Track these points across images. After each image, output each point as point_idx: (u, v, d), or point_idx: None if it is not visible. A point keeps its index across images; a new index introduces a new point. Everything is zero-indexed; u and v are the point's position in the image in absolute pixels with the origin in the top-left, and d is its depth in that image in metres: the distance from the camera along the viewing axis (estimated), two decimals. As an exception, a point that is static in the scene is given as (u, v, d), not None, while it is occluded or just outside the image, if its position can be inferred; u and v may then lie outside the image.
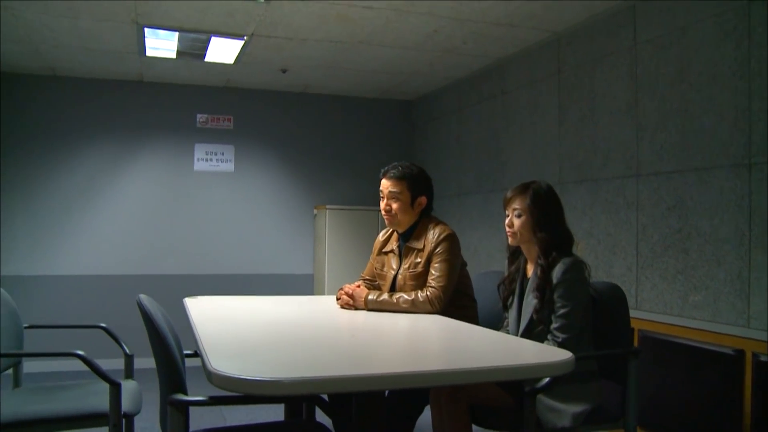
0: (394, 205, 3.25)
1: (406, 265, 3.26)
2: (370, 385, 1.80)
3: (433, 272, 3.14)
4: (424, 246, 3.21)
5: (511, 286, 3.07)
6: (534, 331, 2.86)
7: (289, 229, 6.82)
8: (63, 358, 5.37)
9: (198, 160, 6.54)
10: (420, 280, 3.20)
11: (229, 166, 6.62)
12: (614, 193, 4.13)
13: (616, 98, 4.13)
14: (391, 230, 3.46)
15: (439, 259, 3.15)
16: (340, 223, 6.40)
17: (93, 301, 6.19)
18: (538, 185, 2.95)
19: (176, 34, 4.86)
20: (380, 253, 3.48)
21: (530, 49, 5.02)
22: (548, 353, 2.18)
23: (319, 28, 4.65)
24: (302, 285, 6.78)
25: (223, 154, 6.59)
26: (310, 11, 4.29)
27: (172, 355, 1.87)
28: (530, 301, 2.88)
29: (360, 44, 5.02)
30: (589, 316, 2.88)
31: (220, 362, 1.79)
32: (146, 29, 4.75)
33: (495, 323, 3.17)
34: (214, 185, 6.61)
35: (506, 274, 3.13)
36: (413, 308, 3.07)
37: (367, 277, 3.55)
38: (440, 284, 3.09)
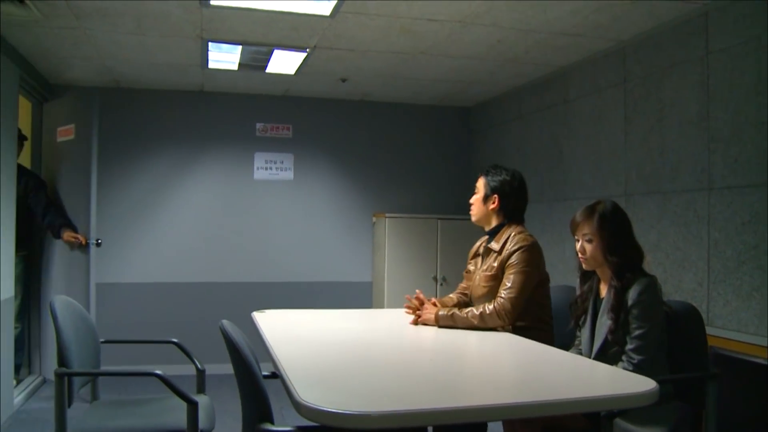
0: (473, 198, 3.41)
1: (484, 267, 3.30)
2: (456, 418, 1.80)
3: (506, 283, 3.11)
4: (501, 250, 3.22)
5: (584, 305, 3.04)
6: (609, 353, 2.83)
7: (348, 237, 6.84)
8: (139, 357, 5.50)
9: (258, 168, 6.61)
10: (492, 282, 3.21)
11: (289, 175, 6.68)
12: (684, 206, 4.04)
13: (687, 109, 4.04)
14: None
15: (513, 270, 3.12)
16: (399, 231, 6.39)
17: (157, 308, 6.32)
18: (603, 207, 2.92)
19: (239, 47, 4.92)
20: (474, 256, 3.52)
21: (594, 57, 4.94)
22: (632, 383, 2.13)
23: (382, 41, 4.66)
24: (361, 293, 6.80)
25: (282, 162, 6.65)
26: (375, 24, 4.29)
27: (259, 385, 1.89)
28: (604, 322, 2.85)
29: (422, 55, 5.01)
30: (665, 336, 2.83)
31: (306, 392, 1.81)
32: (210, 43, 4.82)
33: (563, 339, 3.16)
34: (273, 193, 6.67)
35: (578, 293, 3.10)
36: (482, 323, 3.06)
37: (464, 286, 3.59)
38: (510, 296, 3.06)
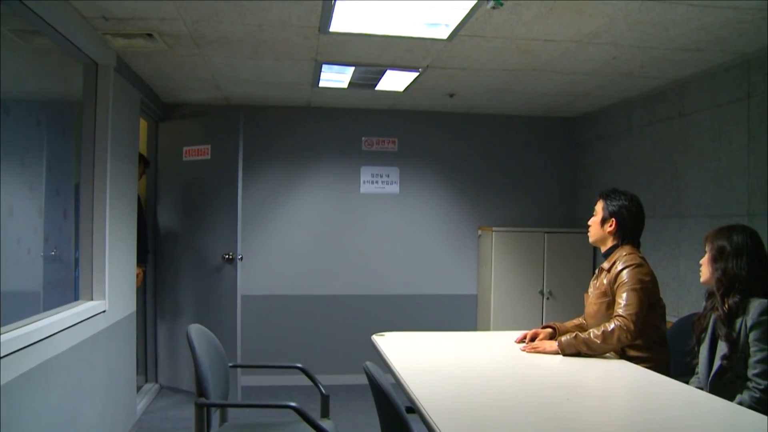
0: (591, 220, 3.53)
1: (596, 283, 3.44)
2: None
3: (620, 301, 3.17)
4: (610, 269, 3.33)
5: (704, 321, 3.02)
6: (723, 377, 2.78)
7: (454, 250, 6.84)
8: (252, 372, 5.66)
9: (364, 182, 6.69)
10: (601, 299, 3.33)
11: (395, 188, 6.73)
12: (817, 229, 3.87)
13: (820, 128, 3.86)
14: None
15: (625, 288, 3.19)
16: (506, 244, 6.35)
17: (264, 320, 6.48)
18: (734, 231, 2.91)
19: (352, 68, 4.99)
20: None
21: (713, 70, 4.77)
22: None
23: (495, 59, 4.65)
24: (466, 306, 6.80)
25: (388, 176, 6.70)
26: (491, 45, 4.29)
27: (408, 428, 1.93)
28: (723, 346, 2.80)
29: (533, 71, 4.97)
30: None
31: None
32: (324, 65, 4.91)
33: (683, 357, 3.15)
34: (380, 207, 6.74)
35: (702, 310, 3.07)
36: (604, 342, 3.09)
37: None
38: (628, 312, 3.11)
